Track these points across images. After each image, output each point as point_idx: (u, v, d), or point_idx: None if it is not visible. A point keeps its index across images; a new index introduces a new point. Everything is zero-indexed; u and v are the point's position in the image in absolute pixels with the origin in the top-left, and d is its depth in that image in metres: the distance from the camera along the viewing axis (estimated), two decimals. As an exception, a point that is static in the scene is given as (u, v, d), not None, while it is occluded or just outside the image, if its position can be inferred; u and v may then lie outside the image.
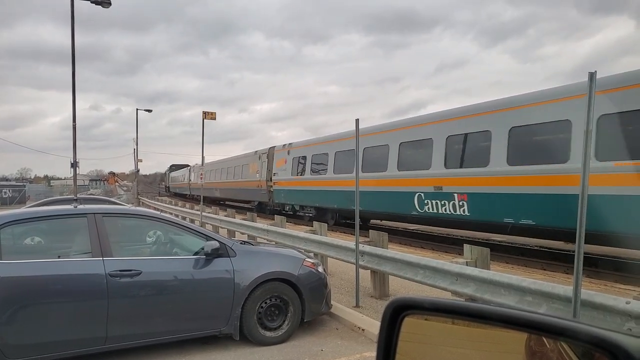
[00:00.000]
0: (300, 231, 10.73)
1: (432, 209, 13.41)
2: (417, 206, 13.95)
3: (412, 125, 14.99)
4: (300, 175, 22.04)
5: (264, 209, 27.38)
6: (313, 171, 21.19)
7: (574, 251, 4.11)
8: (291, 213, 23.01)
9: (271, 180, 25.16)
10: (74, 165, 22.92)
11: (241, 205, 35.52)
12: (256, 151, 28.44)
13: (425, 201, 13.64)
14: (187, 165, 59.34)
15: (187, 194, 51.34)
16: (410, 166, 14.63)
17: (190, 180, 47.68)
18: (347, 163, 17.92)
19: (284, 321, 5.85)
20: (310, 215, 21.29)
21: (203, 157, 17.96)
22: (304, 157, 21.88)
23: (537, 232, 11.17)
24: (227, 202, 39.65)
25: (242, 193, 31.01)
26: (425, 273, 6.41)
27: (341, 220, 20.22)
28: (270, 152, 25.91)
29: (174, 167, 67.07)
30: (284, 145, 24.51)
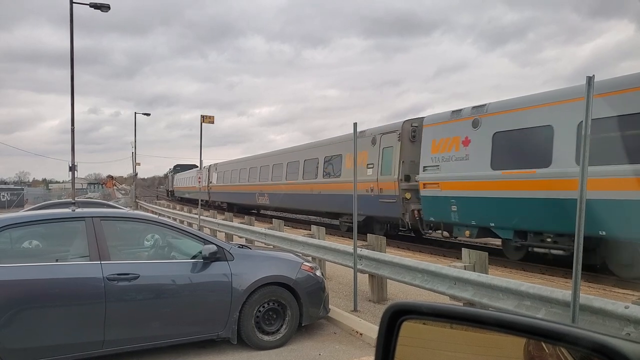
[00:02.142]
0: (298, 235, 10.72)
1: None
2: None
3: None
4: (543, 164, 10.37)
5: (376, 228, 16.49)
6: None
7: (572, 255, 4.11)
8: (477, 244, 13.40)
9: (407, 179, 14.73)
10: (72, 168, 22.92)
11: (317, 220, 23.17)
12: (363, 131, 16.78)
13: None
14: (195, 166, 52.10)
15: (203, 200, 43.79)
16: None
17: (210, 182, 38.42)
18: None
19: (282, 325, 5.83)
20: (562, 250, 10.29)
21: (201, 160, 17.98)
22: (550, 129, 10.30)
23: None
24: (284, 215, 28.07)
25: (325, 201, 19.63)
26: (423, 277, 6.40)
27: None
28: (413, 129, 15.04)
29: (179, 168, 59.37)
30: (457, 112, 12.68)
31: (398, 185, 14.85)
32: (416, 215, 14.25)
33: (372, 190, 16.00)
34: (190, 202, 46.25)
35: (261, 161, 28.15)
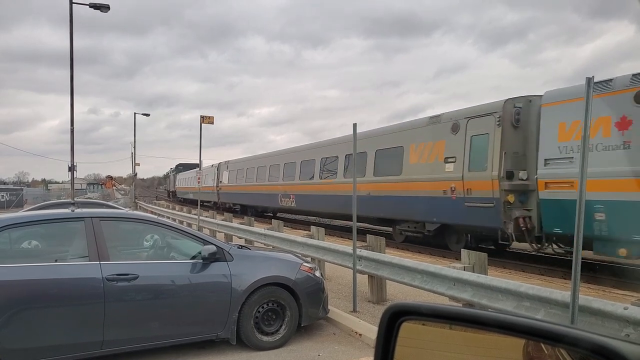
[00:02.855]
0: (297, 236, 10.72)
1: None
2: None
3: None
4: None
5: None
6: None
7: (572, 256, 4.11)
8: None
9: (509, 176, 11.13)
10: (72, 169, 22.92)
11: (363, 227, 18.02)
12: (436, 116, 13.84)
13: None
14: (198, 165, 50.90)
15: (210, 202, 38.28)
16: None
17: (220, 181, 34.50)
18: None
19: (281, 326, 5.83)
20: None
21: (201, 161, 17.98)
22: None
23: None
24: (320, 220, 23.66)
25: (375, 205, 15.66)
26: (422, 278, 6.40)
27: None
28: (517, 111, 11.36)
29: (182, 167, 55.42)
30: (606, 83, 9.46)
31: (498, 184, 11.15)
32: (522, 225, 10.73)
33: (453, 190, 12.44)
34: (194, 204, 39.69)
35: (286, 157, 23.76)
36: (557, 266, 10.90)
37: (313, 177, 20.49)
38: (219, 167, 35.73)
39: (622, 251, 9.09)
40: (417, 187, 13.99)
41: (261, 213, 29.27)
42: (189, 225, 18.54)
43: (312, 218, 25.06)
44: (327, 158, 19.69)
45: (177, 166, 58.92)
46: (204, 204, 42.00)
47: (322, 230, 10.15)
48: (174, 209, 31.40)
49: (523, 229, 10.79)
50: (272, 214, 28.86)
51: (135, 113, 45.58)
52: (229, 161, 34.27)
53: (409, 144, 14.68)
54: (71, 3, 20.88)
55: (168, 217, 21.71)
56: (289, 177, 22.95)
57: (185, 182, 49.99)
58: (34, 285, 4.81)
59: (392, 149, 15.50)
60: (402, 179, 14.75)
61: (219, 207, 34.29)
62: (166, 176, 74.31)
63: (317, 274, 6.38)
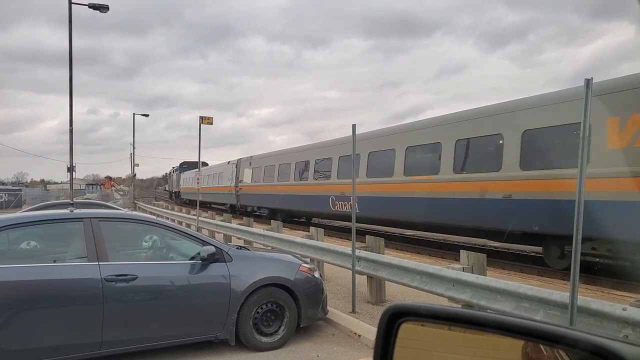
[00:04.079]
0: (296, 236, 10.72)
1: None
2: None
3: None
4: None
5: None
6: None
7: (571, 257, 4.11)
8: None
9: None
10: (70, 169, 22.91)
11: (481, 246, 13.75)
12: None
13: None
14: (204, 164, 45.14)
15: (226, 205, 32.91)
16: None
17: (240, 180, 29.27)
18: None
19: (280, 327, 5.83)
20: None
21: (200, 162, 17.96)
22: None
23: None
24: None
25: (514, 211, 10.72)
26: (421, 279, 6.40)
27: None
28: None
29: (186, 166, 51.02)
30: None
31: None
32: None
33: None
34: (201, 206, 34.25)
35: (343, 148, 17.55)
36: (556, 267, 10.89)
37: (393, 172, 15.12)
38: (238, 163, 30.05)
39: None
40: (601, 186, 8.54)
41: (290, 218, 24.15)
42: (188, 225, 18.53)
43: (383, 228, 19.10)
44: (418, 147, 14.43)
45: (181, 164, 53.85)
46: (212, 206, 37.06)
47: (322, 230, 10.17)
48: (172, 209, 31.03)
49: None
50: (306, 219, 23.91)
51: (134, 114, 45.57)
52: (252, 156, 28.54)
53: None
54: (70, 3, 20.90)
55: (167, 218, 21.70)
56: (347, 174, 17.05)
57: (191, 182, 43.27)
58: (33, 286, 4.81)
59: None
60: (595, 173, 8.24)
61: (237, 211, 29.00)
62: (168, 176, 68.61)
63: (316, 274, 6.38)
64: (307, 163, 21.21)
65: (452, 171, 12.64)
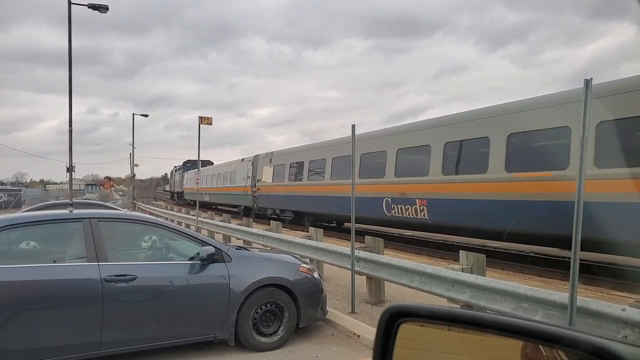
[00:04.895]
0: (296, 237, 10.72)
1: None
2: None
3: None
4: None
5: None
6: None
7: (569, 258, 4.11)
8: None
9: None
10: (70, 169, 22.91)
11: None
12: None
13: None
14: (210, 163, 43.58)
15: (240, 207, 29.69)
16: None
17: (258, 180, 25.91)
18: None
19: (279, 327, 5.83)
20: None
21: (199, 162, 17.97)
22: None
23: None
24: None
25: None
26: (421, 279, 6.40)
27: None
28: None
29: (190, 165, 47.49)
30: None
31: None
32: None
33: None
34: (204, 207, 30.52)
35: (402, 139, 14.61)
36: (556, 267, 10.91)
37: (487, 167, 11.50)
38: (255, 160, 26.70)
39: None
40: None
41: (320, 223, 20.35)
42: (187, 226, 18.53)
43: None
44: (522, 135, 11.00)
45: (184, 163, 50.35)
46: (217, 208, 34.86)
47: (321, 231, 10.17)
48: (172, 209, 30.89)
49: None
50: (336, 224, 20.91)
51: (134, 114, 45.50)
52: (272, 152, 25.20)
53: None
54: (70, 4, 20.90)
55: (166, 218, 21.69)
56: (408, 170, 14.33)
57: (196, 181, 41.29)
58: (32, 286, 4.80)
59: None
60: None
61: (252, 214, 25.51)
62: (170, 175, 64.41)
63: (316, 275, 6.38)
64: (341, 160, 17.54)
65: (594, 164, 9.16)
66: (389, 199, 14.70)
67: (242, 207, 29.08)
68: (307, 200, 20.15)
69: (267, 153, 25.65)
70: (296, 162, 21.91)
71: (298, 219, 21.72)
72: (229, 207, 33.58)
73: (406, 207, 13.94)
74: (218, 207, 36.00)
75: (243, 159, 29.50)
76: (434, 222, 12.98)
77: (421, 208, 13.37)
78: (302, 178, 20.95)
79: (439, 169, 12.91)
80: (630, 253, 8.77)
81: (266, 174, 24.89)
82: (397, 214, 14.45)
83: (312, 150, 21.08)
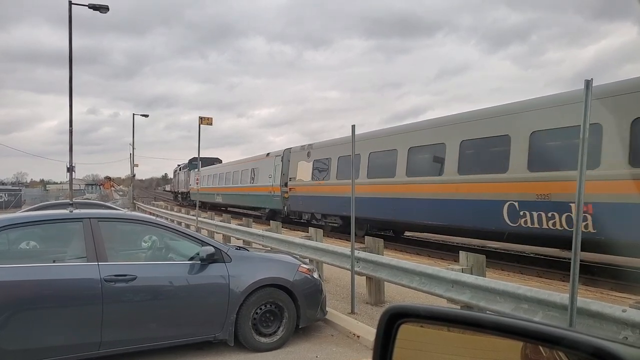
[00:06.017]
0: (295, 237, 10.72)
1: None
2: None
3: None
4: None
5: None
6: None
7: (569, 259, 4.11)
8: None
9: None
10: (70, 169, 22.91)
11: None
12: None
13: None
14: (218, 160, 40.05)
15: (263, 209, 26.20)
16: None
17: (290, 178, 21.78)
18: None
19: (279, 327, 5.82)
20: None
21: (199, 162, 17.97)
22: None
23: None
24: None
25: None
26: (421, 280, 6.40)
27: None
28: None
29: (195, 164, 39.72)
30: None
31: None
32: None
33: None
34: (216, 210, 28.55)
35: (532, 121, 10.45)
36: (556, 268, 10.91)
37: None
38: (286, 156, 22.55)
39: None
40: None
41: (378, 232, 17.02)
42: (187, 226, 18.53)
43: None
44: None
45: (190, 161, 44.14)
46: (230, 210, 31.02)
47: (321, 231, 10.16)
48: (172, 209, 30.90)
49: None
50: (393, 232, 17.45)
51: (134, 114, 45.45)
52: (311, 144, 20.63)
53: None
54: (70, 4, 20.90)
55: (166, 218, 21.69)
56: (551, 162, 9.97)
57: (208, 180, 35.76)
58: (32, 286, 4.80)
59: None
60: None
61: (281, 218, 21.80)
62: (174, 174, 59.18)
63: (316, 275, 6.38)
64: (439, 148, 13.04)
65: None
66: (517, 204, 10.57)
67: (267, 210, 24.99)
68: (371, 204, 14.99)
69: (302, 146, 21.38)
70: (348, 156, 15.25)
71: (344, 227, 17.37)
72: (247, 209, 29.89)
73: (545, 214, 9.95)
74: (234, 209, 32.09)
75: (269, 153, 24.92)
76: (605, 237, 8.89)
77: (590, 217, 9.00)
78: (362, 175, 15.87)
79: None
80: None
81: (302, 171, 20.58)
82: (531, 225, 10.27)
83: (373, 139, 16.18)
